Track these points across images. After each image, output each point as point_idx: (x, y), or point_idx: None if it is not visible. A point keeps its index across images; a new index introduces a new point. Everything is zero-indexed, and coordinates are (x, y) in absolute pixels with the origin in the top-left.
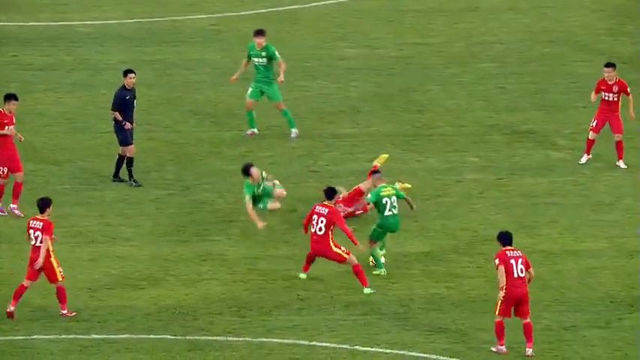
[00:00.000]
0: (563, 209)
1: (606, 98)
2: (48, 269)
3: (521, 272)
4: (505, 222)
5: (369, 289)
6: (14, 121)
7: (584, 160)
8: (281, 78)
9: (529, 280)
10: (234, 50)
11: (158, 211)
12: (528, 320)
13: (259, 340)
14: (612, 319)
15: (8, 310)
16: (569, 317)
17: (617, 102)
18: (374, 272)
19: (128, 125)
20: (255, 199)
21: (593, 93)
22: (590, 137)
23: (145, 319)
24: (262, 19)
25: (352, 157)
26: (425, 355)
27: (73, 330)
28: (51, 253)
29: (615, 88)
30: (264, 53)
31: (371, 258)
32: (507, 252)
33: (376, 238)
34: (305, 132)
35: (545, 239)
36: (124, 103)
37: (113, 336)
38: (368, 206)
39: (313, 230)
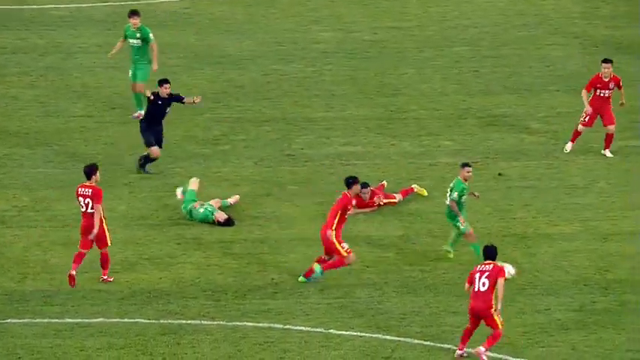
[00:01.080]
0: (537, 193)
1: (601, 94)
2: (99, 236)
3: (483, 286)
4: (479, 205)
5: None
6: None
7: (568, 148)
8: (154, 66)
9: (499, 297)
10: (207, 34)
11: (131, 194)
12: (498, 331)
13: (233, 323)
14: (586, 303)
15: (69, 273)
16: (543, 300)
17: (610, 96)
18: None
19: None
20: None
21: (585, 91)
22: (578, 129)
23: (118, 303)
24: (237, 3)
25: (327, 140)
26: (399, 339)
27: (47, 314)
28: (103, 220)
29: (611, 85)
30: (138, 34)
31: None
32: (479, 266)
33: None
34: (279, 115)
35: (519, 223)
36: (155, 110)
37: (87, 320)
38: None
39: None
